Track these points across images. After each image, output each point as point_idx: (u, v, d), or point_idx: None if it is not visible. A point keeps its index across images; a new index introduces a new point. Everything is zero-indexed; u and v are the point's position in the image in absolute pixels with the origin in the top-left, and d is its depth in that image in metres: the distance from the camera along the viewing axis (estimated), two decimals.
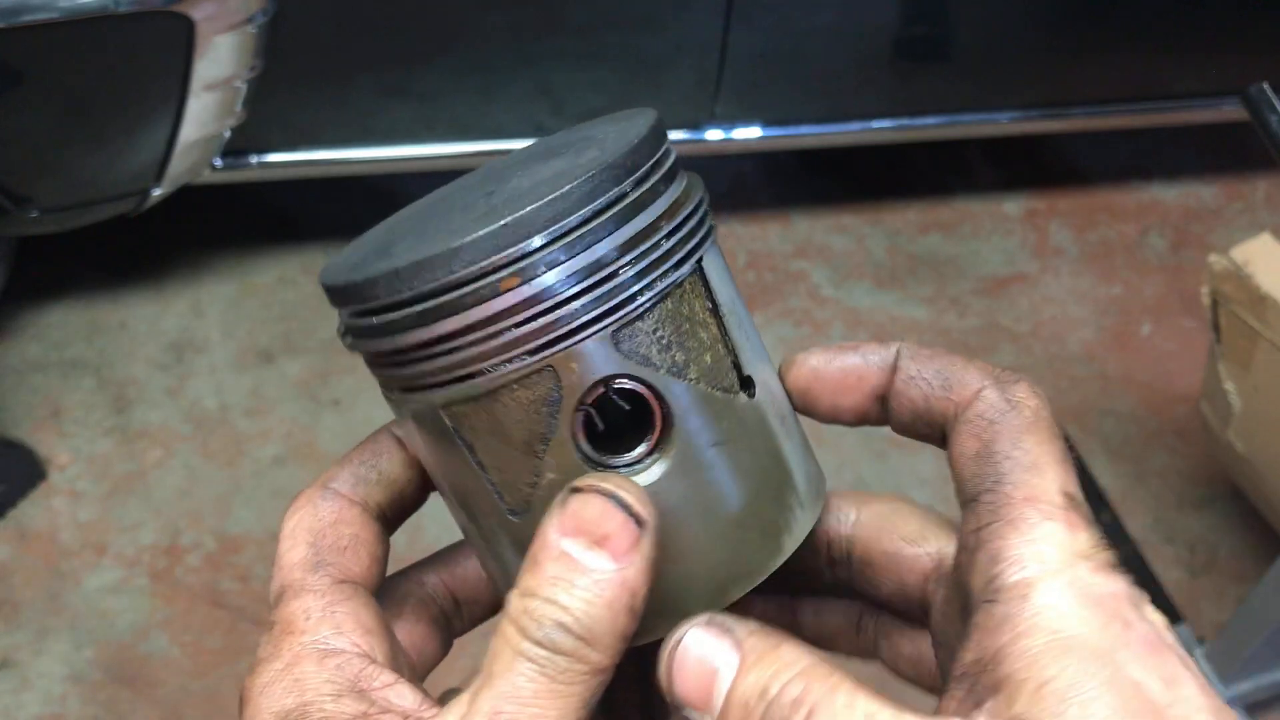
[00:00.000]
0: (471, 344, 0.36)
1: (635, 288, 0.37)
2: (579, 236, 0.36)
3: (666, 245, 0.37)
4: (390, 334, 0.37)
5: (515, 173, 0.41)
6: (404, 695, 0.38)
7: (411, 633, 0.45)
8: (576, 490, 0.37)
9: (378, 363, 0.40)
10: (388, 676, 0.38)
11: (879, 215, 2.56)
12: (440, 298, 0.36)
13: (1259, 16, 2.30)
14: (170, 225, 2.30)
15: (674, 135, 2.22)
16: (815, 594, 0.49)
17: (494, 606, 0.45)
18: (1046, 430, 0.39)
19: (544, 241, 0.35)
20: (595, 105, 2.17)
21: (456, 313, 0.36)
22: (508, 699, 0.35)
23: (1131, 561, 1.86)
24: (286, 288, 2.31)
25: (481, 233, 0.35)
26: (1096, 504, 1.95)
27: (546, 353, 0.36)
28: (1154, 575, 1.88)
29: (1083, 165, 2.73)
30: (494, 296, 0.36)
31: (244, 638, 1.77)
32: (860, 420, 0.44)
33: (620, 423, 0.38)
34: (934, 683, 0.45)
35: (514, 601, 0.37)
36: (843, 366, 0.43)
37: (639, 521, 0.36)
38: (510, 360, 0.36)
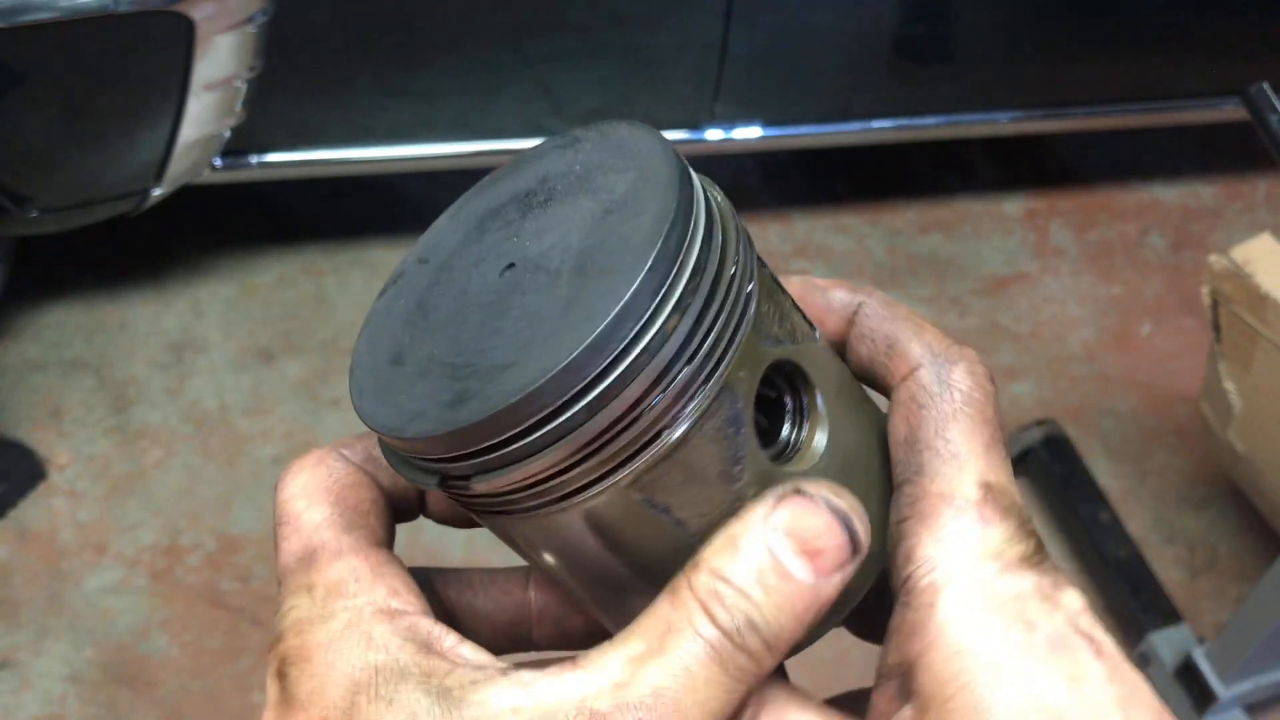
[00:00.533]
0: (651, 407, 0.34)
1: (741, 282, 0.36)
2: (695, 265, 0.34)
3: (745, 240, 0.37)
4: (544, 448, 0.34)
5: (523, 223, 0.39)
6: (478, 652, 0.36)
7: None
8: (802, 493, 0.35)
9: (521, 489, 0.35)
10: (452, 636, 0.36)
11: (879, 215, 2.56)
12: (603, 382, 0.33)
13: (1259, 16, 2.30)
14: (170, 225, 2.30)
15: (674, 135, 2.22)
16: None
17: (493, 642, 0.42)
18: (976, 416, 0.38)
19: (671, 286, 0.34)
20: (595, 105, 2.17)
21: (628, 385, 0.33)
22: (677, 678, 0.33)
23: (1131, 562, 1.86)
24: (286, 288, 2.31)
25: (617, 308, 0.33)
26: (1096, 504, 1.95)
27: (719, 373, 0.35)
28: (1154, 575, 1.88)
29: (1083, 165, 2.73)
30: (660, 348, 0.33)
31: (244, 638, 1.77)
32: None
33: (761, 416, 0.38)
34: None
35: (702, 578, 0.34)
36: (810, 303, 0.43)
37: (855, 546, 0.35)
38: (693, 399, 0.34)
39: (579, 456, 0.34)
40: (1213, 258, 1.63)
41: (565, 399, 0.33)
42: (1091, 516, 1.93)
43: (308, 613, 0.37)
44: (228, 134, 1.94)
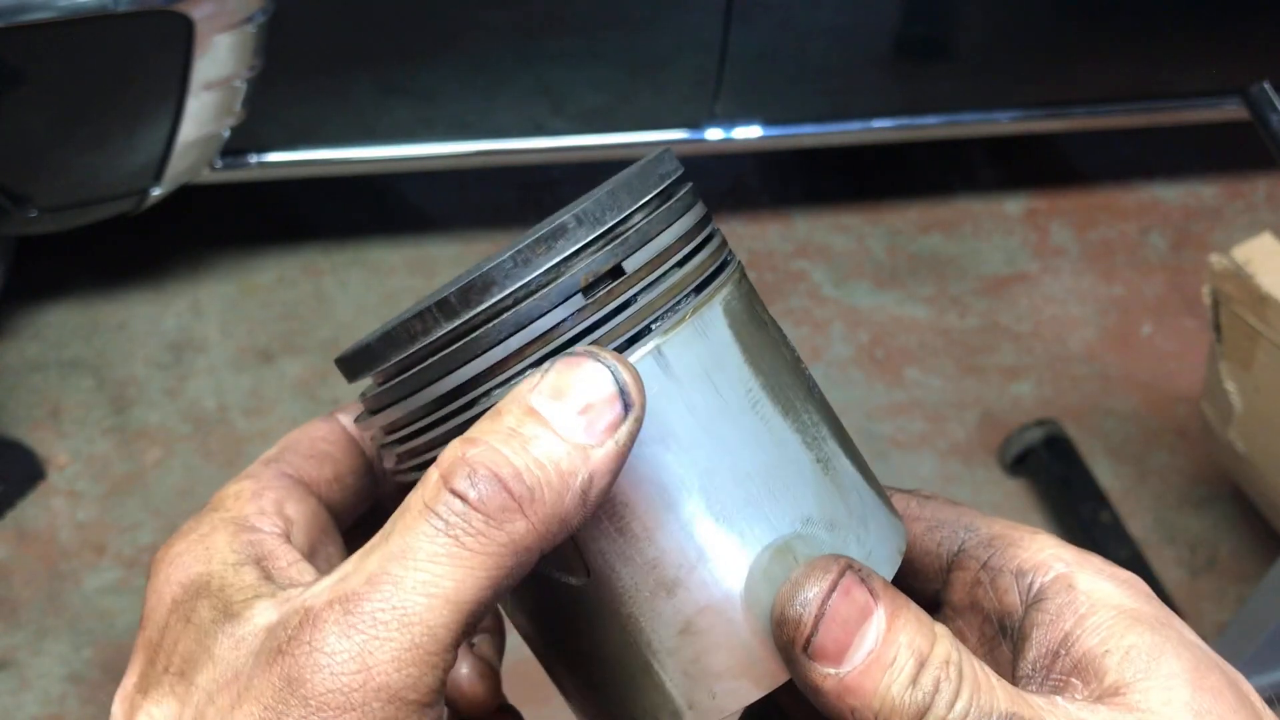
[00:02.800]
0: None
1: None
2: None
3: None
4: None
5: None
6: (304, 573, 0.36)
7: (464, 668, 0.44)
8: (570, 354, 0.33)
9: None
10: (293, 556, 0.36)
11: (879, 215, 2.56)
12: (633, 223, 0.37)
13: (1259, 16, 2.30)
14: (170, 225, 2.30)
15: (674, 135, 2.22)
16: None
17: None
18: (960, 503, 0.43)
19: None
20: (595, 105, 2.17)
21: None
22: (397, 559, 0.31)
23: (1132, 562, 1.85)
24: (286, 288, 2.31)
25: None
26: (1097, 504, 1.95)
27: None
28: (1155, 575, 1.88)
29: (1083, 165, 2.73)
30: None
31: None
32: None
33: None
34: None
35: (449, 448, 0.32)
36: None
37: (627, 404, 0.32)
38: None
39: (699, 239, 0.38)
40: (1213, 258, 1.63)
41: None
42: (1092, 516, 1.93)
43: (184, 525, 0.38)
44: (227, 134, 1.94)
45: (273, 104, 1.97)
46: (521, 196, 2.53)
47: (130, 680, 0.36)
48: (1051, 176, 2.69)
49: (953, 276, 2.43)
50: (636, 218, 0.37)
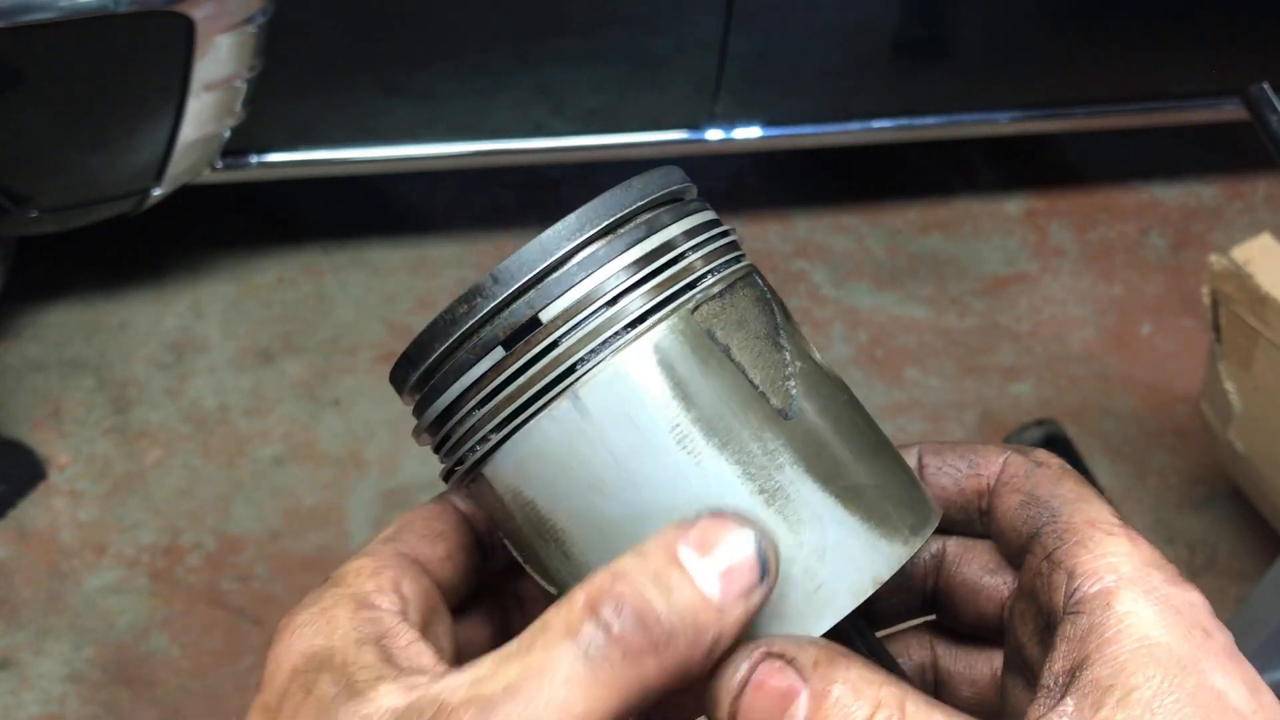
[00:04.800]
0: (703, 245, 0.40)
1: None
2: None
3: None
4: (611, 260, 0.39)
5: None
6: (422, 654, 0.37)
7: None
8: (719, 515, 0.35)
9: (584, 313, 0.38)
10: (412, 635, 0.37)
11: (879, 215, 2.56)
12: (654, 213, 0.40)
13: (1259, 16, 2.30)
14: (170, 225, 2.30)
15: (674, 135, 2.23)
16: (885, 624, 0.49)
17: None
18: (1077, 477, 0.41)
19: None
20: (595, 105, 2.17)
21: (665, 225, 0.40)
22: (535, 675, 0.32)
23: None
24: (286, 288, 2.31)
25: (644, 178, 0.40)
26: None
27: (743, 258, 0.42)
28: None
29: (1083, 165, 2.73)
30: (697, 210, 0.41)
31: (244, 638, 1.77)
32: None
33: None
34: (993, 704, 0.45)
35: (599, 576, 0.34)
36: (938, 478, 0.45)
37: (764, 571, 0.34)
38: (734, 259, 0.41)
39: (639, 275, 0.38)
40: (1213, 258, 1.63)
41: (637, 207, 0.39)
42: None
43: (307, 598, 0.39)
44: (228, 134, 1.94)
45: (273, 104, 1.97)
46: (521, 196, 2.53)
47: None
48: (1051, 177, 2.69)
49: (952, 277, 2.43)
50: (563, 266, 0.38)
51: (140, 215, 2.02)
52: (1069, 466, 0.42)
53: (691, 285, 0.39)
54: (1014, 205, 2.61)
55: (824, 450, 0.39)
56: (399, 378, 0.41)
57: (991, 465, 0.43)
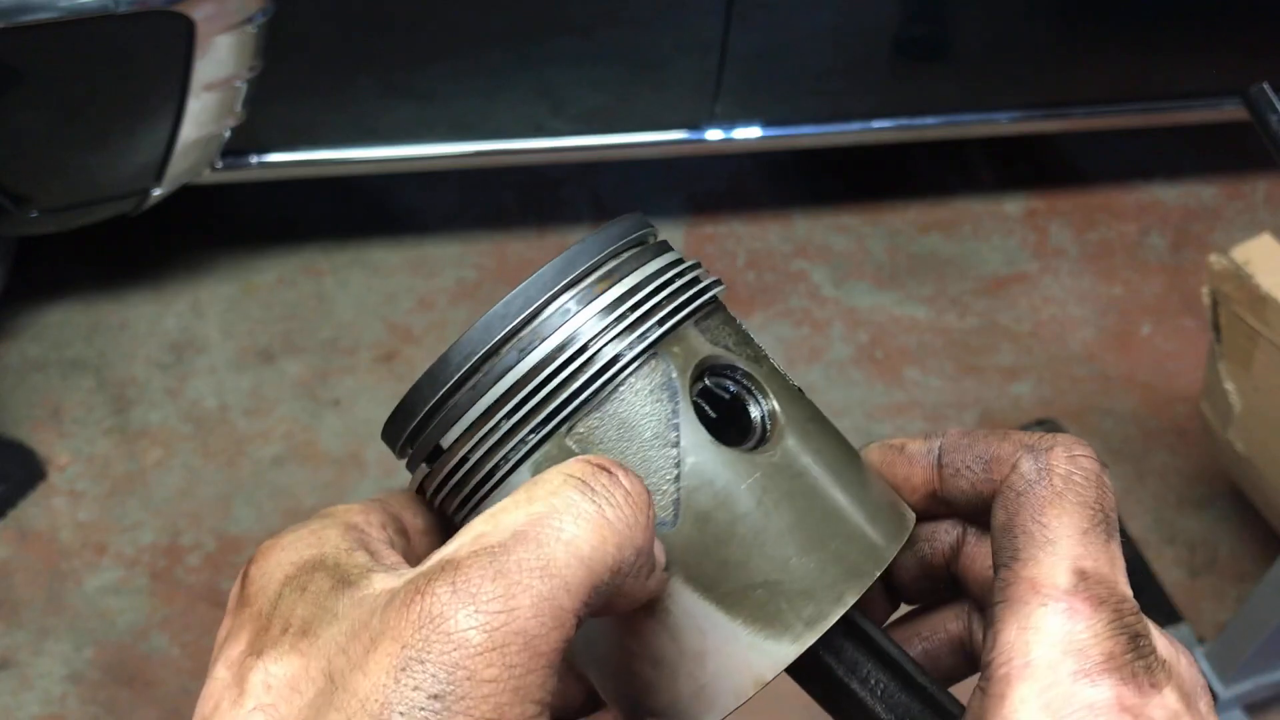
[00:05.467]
0: (584, 354, 0.38)
1: (701, 286, 0.41)
2: (630, 256, 0.40)
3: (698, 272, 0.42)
4: (492, 384, 0.38)
5: None
6: (410, 567, 0.37)
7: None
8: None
9: (469, 451, 0.39)
10: (398, 558, 0.38)
11: (879, 215, 2.56)
12: (538, 318, 0.38)
13: (1259, 16, 2.30)
14: (170, 225, 2.30)
15: (674, 135, 2.23)
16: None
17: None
18: (1074, 498, 0.38)
19: (612, 256, 0.40)
20: (595, 105, 2.17)
21: (561, 325, 0.38)
22: (544, 518, 0.33)
23: (1131, 562, 1.85)
24: (286, 288, 2.31)
25: (552, 263, 0.39)
26: None
27: (653, 336, 0.39)
28: (1154, 575, 1.88)
29: (1083, 165, 2.73)
30: (592, 300, 0.38)
31: None
32: (924, 517, 0.44)
33: (717, 420, 0.40)
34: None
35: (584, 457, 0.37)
36: (890, 464, 0.44)
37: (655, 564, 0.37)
38: (627, 349, 0.38)
39: (520, 400, 0.38)
40: (1213, 258, 1.63)
41: (492, 344, 0.38)
42: None
43: (292, 526, 0.39)
44: (228, 134, 1.94)
45: (273, 104, 1.97)
46: (521, 196, 2.53)
47: (236, 648, 0.36)
48: (1051, 177, 2.69)
49: (952, 277, 2.43)
50: (457, 392, 0.39)
51: (140, 215, 2.02)
52: (1076, 477, 0.39)
53: (568, 404, 0.38)
54: (1014, 205, 2.61)
55: (708, 556, 0.38)
56: (391, 435, 0.41)
57: (1003, 468, 0.41)
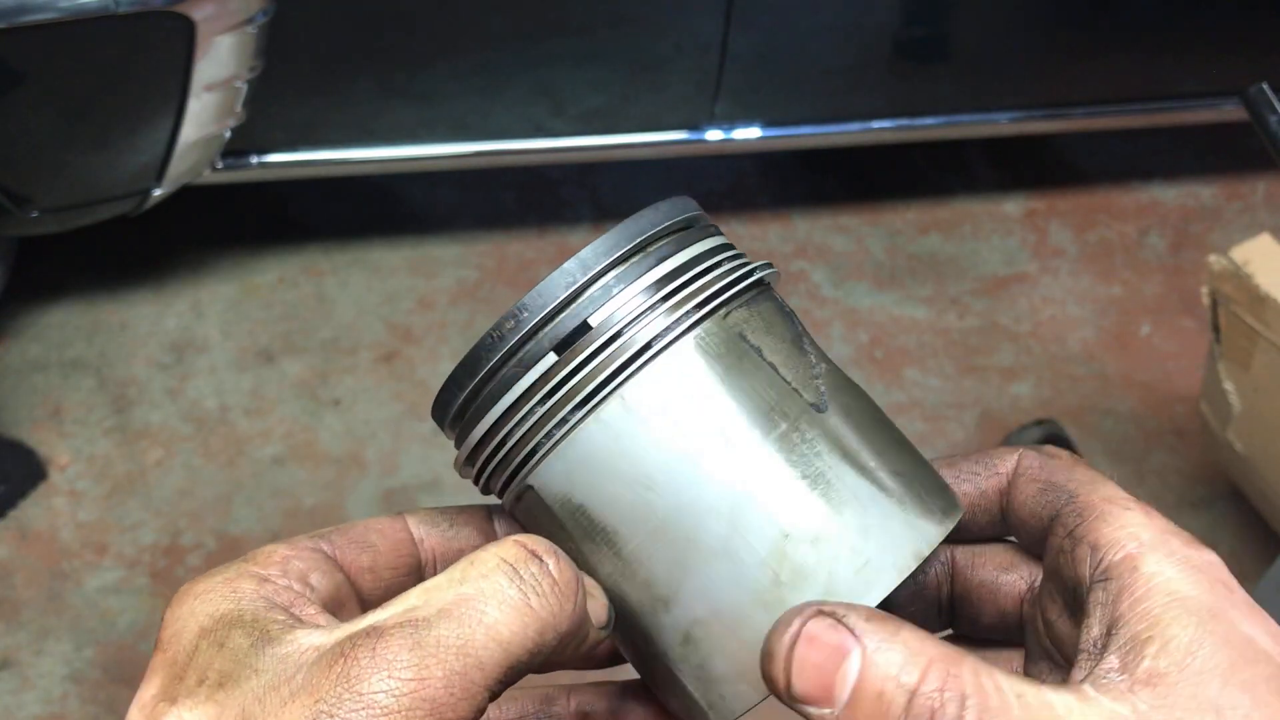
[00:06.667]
0: (729, 261, 0.42)
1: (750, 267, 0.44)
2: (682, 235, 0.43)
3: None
4: (534, 362, 0.40)
5: None
6: (330, 622, 0.38)
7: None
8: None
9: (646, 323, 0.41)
10: (316, 609, 0.39)
11: (879, 215, 2.56)
12: (584, 294, 0.41)
13: (1259, 16, 2.30)
14: (170, 225, 2.31)
15: (674, 135, 2.23)
16: None
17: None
18: (1089, 464, 0.43)
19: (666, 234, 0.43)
20: (595, 105, 2.17)
21: (606, 302, 0.40)
22: (471, 600, 0.35)
23: None
24: (286, 288, 2.31)
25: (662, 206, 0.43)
26: None
27: (758, 270, 0.43)
28: None
29: (1083, 165, 2.73)
30: (715, 233, 0.44)
31: None
32: None
33: None
34: None
35: (523, 537, 0.38)
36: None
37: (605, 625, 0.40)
38: (756, 276, 0.42)
39: (677, 284, 0.41)
40: (1212, 258, 1.63)
41: (543, 316, 0.40)
42: None
43: (211, 570, 0.40)
44: (228, 134, 1.94)
45: (274, 105, 1.98)
46: (522, 197, 2.53)
47: (149, 691, 0.37)
48: (1050, 177, 2.69)
49: (952, 277, 2.44)
50: (606, 275, 0.41)
51: (141, 215, 2.02)
52: (1080, 457, 0.44)
53: (723, 293, 0.41)
54: (1013, 205, 2.61)
55: (856, 440, 0.41)
56: (445, 402, 0.42)
57: (1007, 463, 0.45)
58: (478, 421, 0.41)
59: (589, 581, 0.40)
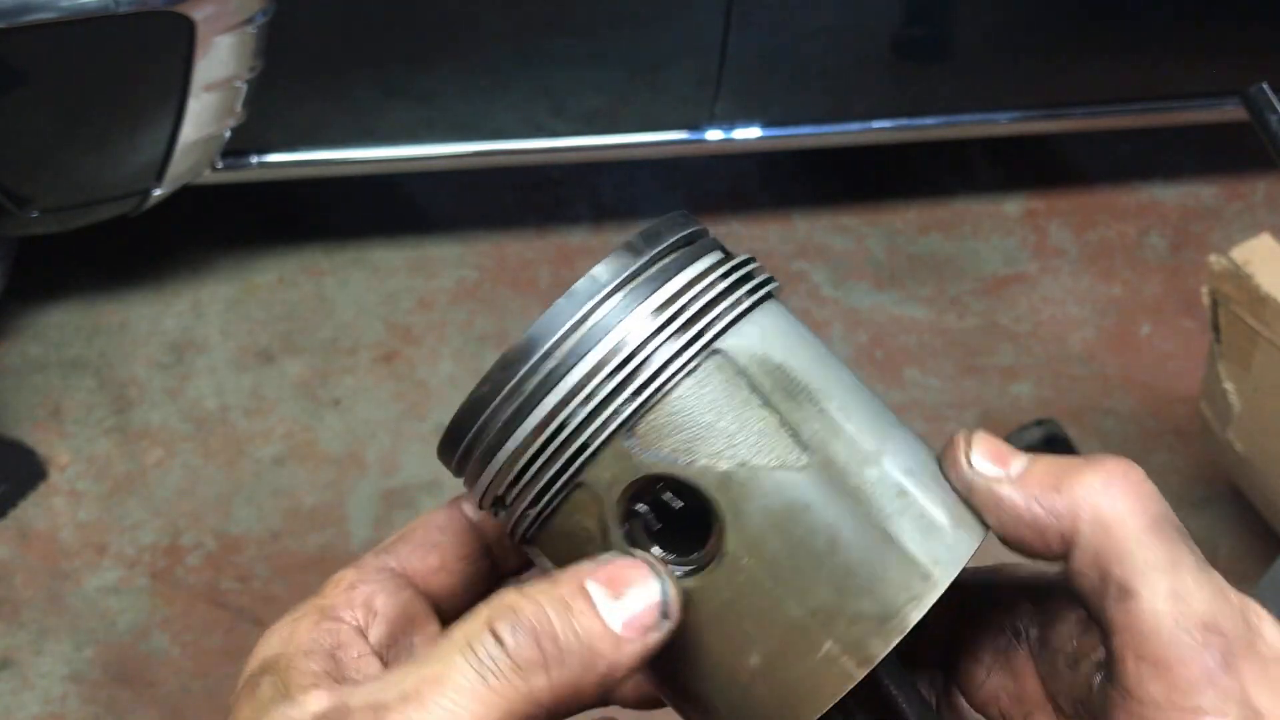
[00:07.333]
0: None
1: (641, 382, 0.39)
2: (682, 255, 0.42)
3: (648, 351, 0.39)
4: (546, 394, 0.39)
5: None
6: (370, 666, 0.39)
7: None
8: (630, 555, 0.38)
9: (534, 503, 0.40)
10: (364, 649, 0.40)
11: (879, 215, 2.56)
12: (586, 324, 0.39)
13: (1259, 16, 2.30)
14: (170, 225, 2.30)
15: (674, 135, 2.23)
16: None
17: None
18: (1143, 537, 0.42)
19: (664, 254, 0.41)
20: (595, 105, 2.17)
21: (612, 329, 0.40)
22: (430, 683, 0.35)
23: None
24: (286, 288, 2.31)
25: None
26: None
27: (567, 476, 0.39)
28: None
29: (1083, 165, 2.73)
30: (644, 302, 0.41)
31: (244, 638, 1.77)
32: None
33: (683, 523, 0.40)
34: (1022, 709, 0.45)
35: (504, 595, 0.36)
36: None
37: (666, 614, 0.37)
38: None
39: (568, 412, 0.38)
40: (1212, 258, 1.63)
41: (542, 353, 0.39)
42: None
43: (293, 608, 0.41)
44: (228, 134, 1.94)
45: (274, 105, 1.97)
46: (521, 197, 2.53)
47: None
48: (1050, 177, 2.69)
49: (952, 277, 2.43)
50: (507, 406, 0.40)
51: (141, 215, 2.02)
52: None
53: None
54: (1013, 205, 2.61)
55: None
56: (448, 451, 0.42)
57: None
58: (477, 475, 0.41)
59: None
